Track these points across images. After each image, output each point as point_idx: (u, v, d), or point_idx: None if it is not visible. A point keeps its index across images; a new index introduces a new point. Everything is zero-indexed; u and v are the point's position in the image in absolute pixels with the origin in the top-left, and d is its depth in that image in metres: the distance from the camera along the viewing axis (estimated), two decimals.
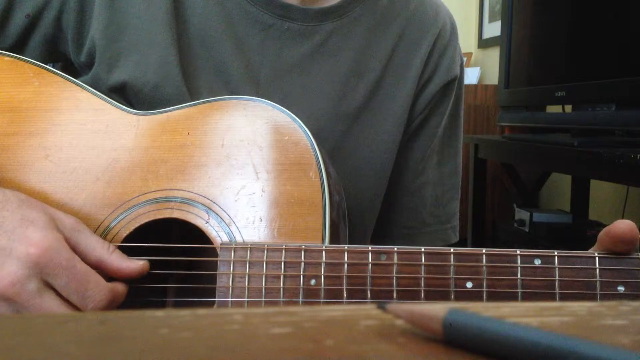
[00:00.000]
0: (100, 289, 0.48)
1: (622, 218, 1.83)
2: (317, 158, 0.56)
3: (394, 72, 0.72)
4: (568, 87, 1.54)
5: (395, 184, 0.76)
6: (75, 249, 0.49)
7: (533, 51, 1.83)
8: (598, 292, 0.48)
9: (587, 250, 0.52)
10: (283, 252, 0.52)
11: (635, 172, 1.17)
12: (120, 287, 0.51)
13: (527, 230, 1.80)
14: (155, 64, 0.64)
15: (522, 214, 1.84)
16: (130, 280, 0.53)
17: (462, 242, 0.81)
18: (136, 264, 0.52)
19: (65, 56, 0.69)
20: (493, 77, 2.54)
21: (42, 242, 0.45)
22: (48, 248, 0.45)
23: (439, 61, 0.74)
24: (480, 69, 2.81)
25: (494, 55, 2.65)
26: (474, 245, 2.03)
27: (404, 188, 0.77)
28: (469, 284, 0.49)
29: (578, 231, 1.71)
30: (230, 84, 0.66)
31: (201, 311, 0.27)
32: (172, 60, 0.64)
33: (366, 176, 0.71)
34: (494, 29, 2.75)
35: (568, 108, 1.76)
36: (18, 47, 0.67)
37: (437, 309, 0.24)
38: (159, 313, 0.26)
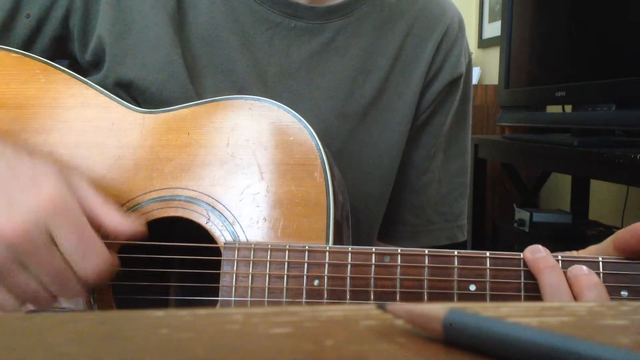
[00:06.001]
0: (101, 252, 0.47)
1: (622, 218, 1.81)
2: (322, 159, 0.56)
3: (401, 70, 0.72)
4: (568, 87, 1.53)
5: (400, 182, 0.76)
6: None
7: (533, 51, 1.83)
8: None
9: (589, 247, 0.52)
10: (287, 252, 0.52)
11: (635, 172, 1.17)
12: (116, 261, 0.50)
13: (527, 230, 1.79)
14: (160, 63, 0.64)
15: (522, 214, 1.84)
16: (135, 276, 0.53)
17: (462, 242, 0.81)
18: (132, 222, 0.50)
19: (72, 55, 0.69)
20: (493, 77, 2.53)
21: (52, 194, 0.46)
22: (58, 201, 0.46)
23: (446, 59, 0.74)
24: (480, 69, 2.81)
25: (494, 55, 2.65)
26: (474, 245, 2.03)
27: (409, 186, 0.76)
28: (473, 287, 0.49)
29: (578, 231, 1.70)
30: (238, 83, 0.66)
31: (201, 311, 0.27)
32: (177, 60, 0.64)
33: (373, 174, 0.71)
34: (494, 29, 2.74)
35: (568, 108, 1.76)
36: (26, 45, 0.67)
37: (437, 309, 0.24)
38: (159, 313, 0.26)
